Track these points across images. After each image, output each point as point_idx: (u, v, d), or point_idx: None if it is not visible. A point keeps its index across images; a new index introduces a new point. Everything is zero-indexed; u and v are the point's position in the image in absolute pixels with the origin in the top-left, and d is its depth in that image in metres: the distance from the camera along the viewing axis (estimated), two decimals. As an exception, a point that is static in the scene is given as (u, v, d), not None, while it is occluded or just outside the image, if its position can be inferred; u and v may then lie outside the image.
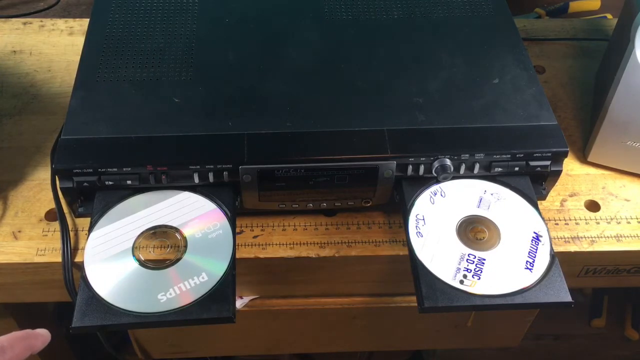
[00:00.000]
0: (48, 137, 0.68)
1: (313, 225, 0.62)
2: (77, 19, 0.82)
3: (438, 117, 0.59)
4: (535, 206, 0.58)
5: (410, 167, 0.57)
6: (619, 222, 0.63)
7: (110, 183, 0.56)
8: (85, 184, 0.55)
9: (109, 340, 0.76)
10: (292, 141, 0.56)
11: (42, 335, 0.46)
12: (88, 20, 0.68)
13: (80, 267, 0.53)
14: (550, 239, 0.55)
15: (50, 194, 0.62)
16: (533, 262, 0.54)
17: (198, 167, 0.55)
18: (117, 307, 0.50)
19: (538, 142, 0.58)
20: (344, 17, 0.69)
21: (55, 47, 0.79)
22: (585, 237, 0.62)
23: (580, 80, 0.77)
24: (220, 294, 0.51)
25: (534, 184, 0.60)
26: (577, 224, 0.63)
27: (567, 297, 0.52)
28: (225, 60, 0.63)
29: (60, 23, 0.82)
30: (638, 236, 0.62)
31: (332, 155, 0.56)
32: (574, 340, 1.13)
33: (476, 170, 0.58)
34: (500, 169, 0.58)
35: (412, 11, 0.70)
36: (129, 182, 0.56)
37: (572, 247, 0.61)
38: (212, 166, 0.55)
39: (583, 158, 0.68)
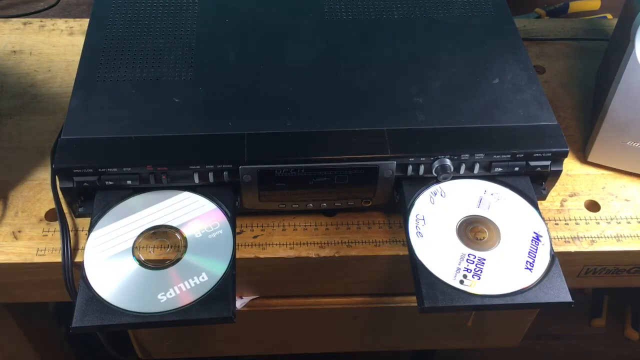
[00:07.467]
0: (48, 137, 0.68)
1: (313, 225, 0.62)
2: (77, 19, 0.82)
3: (438, 117, 0.59)
4: (535, 206, 0.58)
5: (410, 167, 0.57)
6: (619, 222, 0.63)
7: (110, 183, 0.56)
8: (85, 184, 0.55)
9: (110, 340, 0.75)
10: (292, 141, 0.56)
11: None
12: (88, 20, 0.68)
13: (80, 267, 0.53)
14: (550, 239, 0.55)
15: (50, 194, 0.62)
16: (533, 262, 0.54)
17: (198, 167, 0.55)
18: (117, 307, 0.50)
19: (538, 142, 0.58)
20: (344, 17, 0.69)
21: (55, 47, 0.79)
22: (585, 237, 0.62)
23: (580, 80, 0.77)
24: (220, 294, 0.50)
25: (534, 184, 0.60)
26: (577, 224, 0.63)
27: (567, 297, 0.52)
28: (225, 60, 0.63)
29: (60, 23, 0.82)
30: (638, 236, 0.62)
31: (332, 155, 0.56)
32: (574, 340, 1.13)
33: (476, 170, 0.58)
34: (500, 169, 0.58)
35: (412, 11, 0.70)
36: (129, 182, 0.56)
37: (572, 247, 0.61)
38: (212, 166, 0.55)
39: (583, 158, 0.68)
